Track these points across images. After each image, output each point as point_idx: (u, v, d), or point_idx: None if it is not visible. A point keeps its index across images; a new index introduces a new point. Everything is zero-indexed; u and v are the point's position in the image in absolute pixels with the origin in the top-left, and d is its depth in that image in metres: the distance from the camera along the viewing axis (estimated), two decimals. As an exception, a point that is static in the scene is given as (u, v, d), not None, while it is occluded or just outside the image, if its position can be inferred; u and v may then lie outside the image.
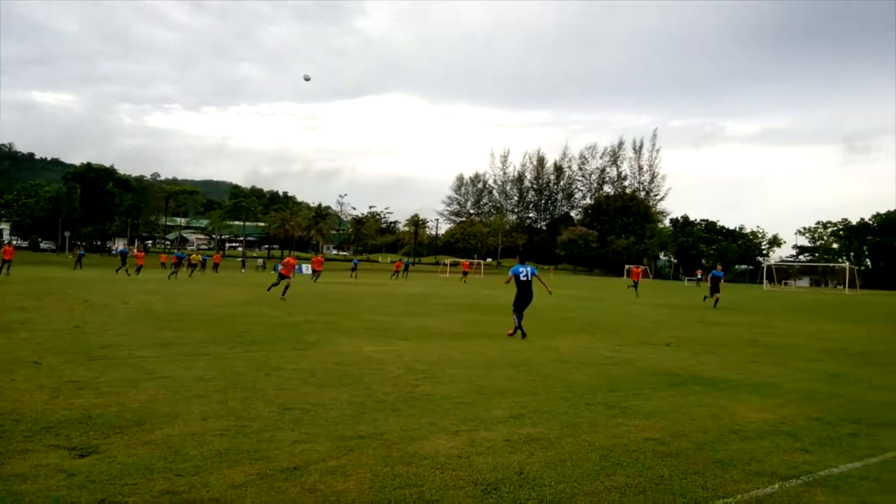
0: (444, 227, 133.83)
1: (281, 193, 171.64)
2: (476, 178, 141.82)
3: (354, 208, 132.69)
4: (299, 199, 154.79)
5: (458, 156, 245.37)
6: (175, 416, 5.81)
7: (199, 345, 10.53)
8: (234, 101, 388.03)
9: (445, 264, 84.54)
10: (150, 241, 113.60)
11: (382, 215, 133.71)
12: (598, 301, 28.96)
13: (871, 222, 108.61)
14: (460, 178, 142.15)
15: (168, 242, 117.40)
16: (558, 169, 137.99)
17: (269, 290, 24.00)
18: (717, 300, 26.26)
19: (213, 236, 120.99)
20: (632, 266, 40.20)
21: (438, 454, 4.96)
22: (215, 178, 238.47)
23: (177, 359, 9.07)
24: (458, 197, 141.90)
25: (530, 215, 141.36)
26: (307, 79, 27.54)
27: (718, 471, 4.84)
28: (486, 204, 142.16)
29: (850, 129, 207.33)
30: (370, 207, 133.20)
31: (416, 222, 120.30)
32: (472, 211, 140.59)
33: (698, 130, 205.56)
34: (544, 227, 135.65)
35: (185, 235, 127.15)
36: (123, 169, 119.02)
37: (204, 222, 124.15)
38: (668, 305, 27.58)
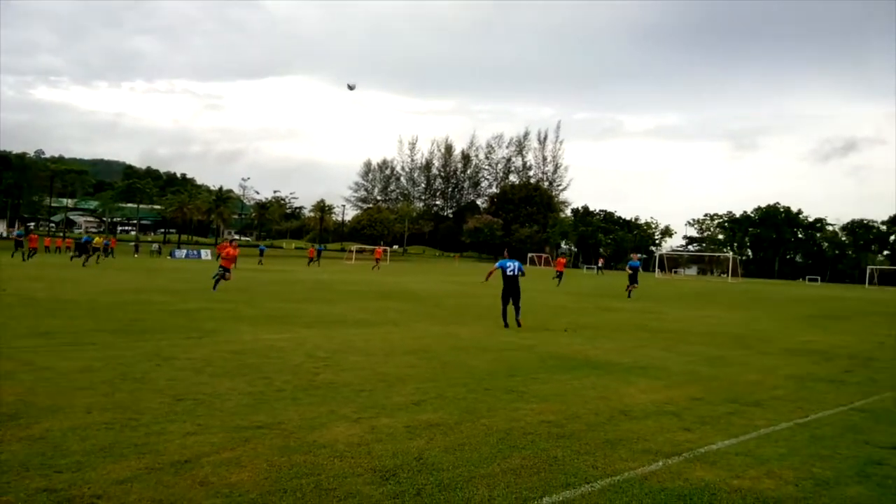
0: (350, 214, 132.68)
1: (179, 175, 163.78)
2: (384, 165, 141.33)
3: (258, 192, 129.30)
4: (199, 181, 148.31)
5: (365, 142, 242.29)
6: (56, 409, 5.47)
7: (85, 334, 9.95)
8: (128, 76, 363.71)
9: (351, 251, 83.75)
10: (32, 224, 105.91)
11: (287, 200, 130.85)
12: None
13: (752, 215, 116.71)
14: (368, 164, 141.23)
15: (53, 225, 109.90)
16: (465, 157, 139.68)
17: (214, 288, 19.55)
18: (630, 291, 26.02)
19: (104, 219, 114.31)
20: (555, 257, 38.77)
21: (337, 442, 4.91)
22: (107, 158, 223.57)
23: (59, 349, 8.53)
24: (365, 183, 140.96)
25: (437, 203, 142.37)
26: (351, 87, 26.91)
27: (608, 450, 5.06)
28: (394, 191, 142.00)
29: (737, 126, 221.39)
30: (274, 192, 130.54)
31: (322, 208, 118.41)
32: (379, 197, 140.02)
33: (599, 124, 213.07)
34: (451, 215, 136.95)
35: (71, 218, 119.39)
36: (4, 145, 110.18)
37: (94, 204, 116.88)
38: (567, 292, 28.52)
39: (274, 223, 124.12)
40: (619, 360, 9.69)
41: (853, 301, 34.60)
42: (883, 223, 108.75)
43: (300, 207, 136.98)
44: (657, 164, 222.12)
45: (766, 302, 29.33)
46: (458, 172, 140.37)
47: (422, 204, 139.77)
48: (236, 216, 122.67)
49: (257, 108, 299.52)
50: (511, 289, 13.42)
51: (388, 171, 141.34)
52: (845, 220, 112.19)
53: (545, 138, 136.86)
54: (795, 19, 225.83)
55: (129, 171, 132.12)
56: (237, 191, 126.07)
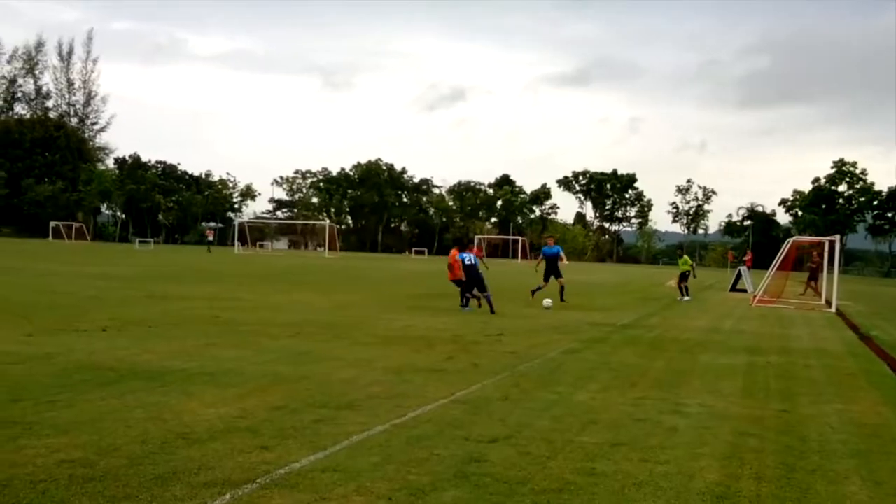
0: None
1: None
2: None
3: None
4: None
5: None
6: None
7: None
8: None
9: None
10: None
11: None
12: (1, 273, 26.94)
13: (352, 173, 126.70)
14: None
15: None
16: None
17: None
18: (539, 289, 23.38)
19: None
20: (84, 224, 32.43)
21: None
22: None
23: None
24: None
25: None
26: None
27: (157, 489, 4.99)
28: None
29: (328, 60, 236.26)
30: None
31: None
32: None
33: (150, 39, 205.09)
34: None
35: None
36: None
37: None
38: (107, 276, 27.32)
39: None
40: (179, 364, 9.66)
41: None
42: (490, 186, 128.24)
43: None
44: (234, 100, 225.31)
45: (366, 281, 32.27)
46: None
47: None
48: None
49: None
50: (468, 275, 19.58)
51: None
52: (452, 180, 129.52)
53: (70, 53, 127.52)
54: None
55: None
56: None
